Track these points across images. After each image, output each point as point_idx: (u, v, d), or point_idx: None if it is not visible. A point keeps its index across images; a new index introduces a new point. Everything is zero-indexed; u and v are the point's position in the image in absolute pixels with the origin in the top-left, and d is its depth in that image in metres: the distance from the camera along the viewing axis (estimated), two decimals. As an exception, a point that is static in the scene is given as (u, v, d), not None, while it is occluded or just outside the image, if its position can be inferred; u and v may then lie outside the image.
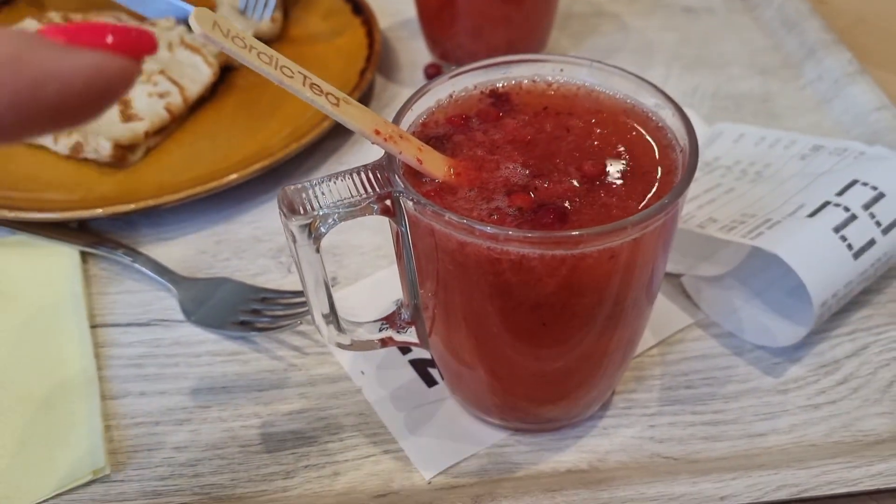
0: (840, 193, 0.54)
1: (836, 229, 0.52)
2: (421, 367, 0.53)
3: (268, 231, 0.64)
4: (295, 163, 0.69)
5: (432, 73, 0.77)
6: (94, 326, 0.57)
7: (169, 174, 0.67)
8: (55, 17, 0.80)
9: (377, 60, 0.74)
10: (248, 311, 0.56)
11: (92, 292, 0.60)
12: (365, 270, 0.60)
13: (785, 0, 0.84)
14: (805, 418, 0.50)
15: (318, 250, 0.40)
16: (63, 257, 0.62)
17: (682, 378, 0.53)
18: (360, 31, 0.79)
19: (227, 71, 0.77)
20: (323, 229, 0.39)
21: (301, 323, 0.54)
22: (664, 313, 0.57)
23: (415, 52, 0.81)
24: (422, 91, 0.44)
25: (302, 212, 0.38)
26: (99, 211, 0.61)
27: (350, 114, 0.38)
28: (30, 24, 0.78)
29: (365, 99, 0.75)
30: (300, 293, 0.57)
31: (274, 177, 0.68)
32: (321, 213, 0.39)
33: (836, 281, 0.51)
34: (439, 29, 0.75)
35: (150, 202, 0.62)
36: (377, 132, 0.39)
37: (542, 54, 0.47)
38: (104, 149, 0.66)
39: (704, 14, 0.87)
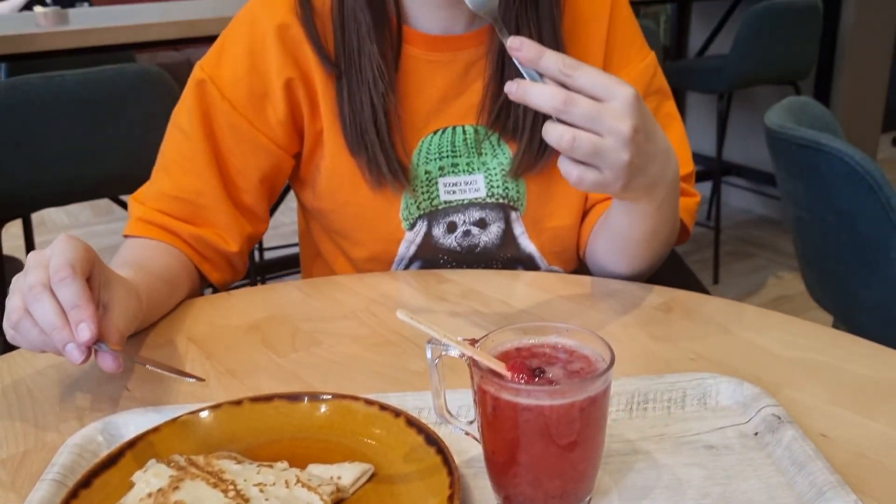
0: None
1: None
2: None
3: None
4: None
5: (501, 516, 0.93)
6: None
7: None
8: (180, 459, 0.96)
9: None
10: None
11: None
12: None
13: (792, 440, 1.00)
14: None
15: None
16: None
17: None
18: (442, 478, 0.91)
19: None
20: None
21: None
22: None
23: (482, 489, 0.95)
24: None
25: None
26: None
27: None
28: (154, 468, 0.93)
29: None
30: None
31: None
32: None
33: None
34: (504, 478, 0.91)
35: None
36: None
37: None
38: None
39: (724, 451, 1.02)
